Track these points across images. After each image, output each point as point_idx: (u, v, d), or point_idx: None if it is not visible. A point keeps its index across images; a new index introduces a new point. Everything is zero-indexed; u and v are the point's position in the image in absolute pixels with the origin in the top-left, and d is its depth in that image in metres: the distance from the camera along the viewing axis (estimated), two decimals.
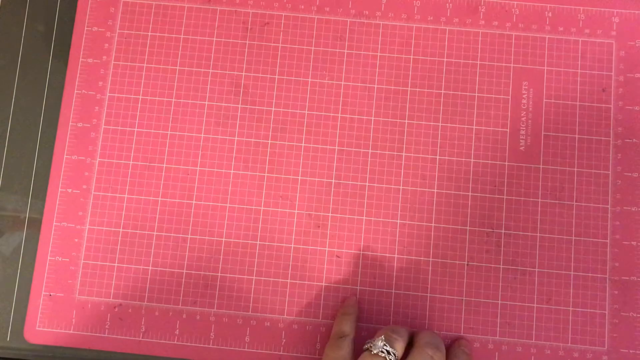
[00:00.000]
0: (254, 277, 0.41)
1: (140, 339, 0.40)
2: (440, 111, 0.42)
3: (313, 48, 0.43)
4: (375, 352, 0.35)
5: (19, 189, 0.42)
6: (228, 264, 0.41)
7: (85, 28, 0.43)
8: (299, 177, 0.42)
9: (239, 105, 0.42)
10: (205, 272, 0.41)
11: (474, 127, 0.42)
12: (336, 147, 0.42)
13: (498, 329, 0.40)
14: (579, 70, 0.42)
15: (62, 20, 0.43)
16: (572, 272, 0.40)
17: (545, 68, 0.42)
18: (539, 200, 0.41)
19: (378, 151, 0.42)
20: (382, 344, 0.35)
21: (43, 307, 0.40)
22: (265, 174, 0.42)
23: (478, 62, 0.42)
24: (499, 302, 0.40)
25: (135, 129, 0.42)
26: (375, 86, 0.42)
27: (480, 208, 0.41)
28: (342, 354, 0.36)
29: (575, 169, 0.41)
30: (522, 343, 0.40)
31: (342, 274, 0.41)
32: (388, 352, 0.35)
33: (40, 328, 0.40)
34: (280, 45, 0.43)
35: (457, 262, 0.40)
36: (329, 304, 0.40)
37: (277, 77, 0.43)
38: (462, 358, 0.38)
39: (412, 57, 0.42)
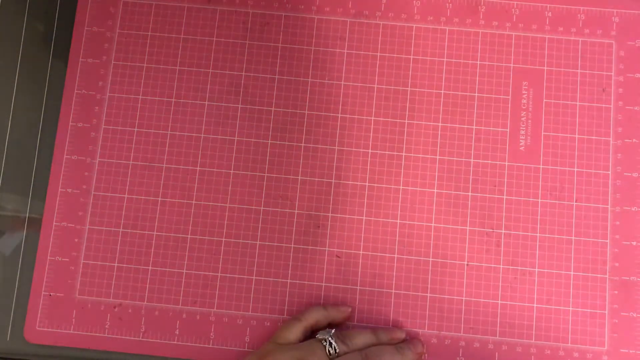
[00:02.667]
0: (254, 277, 0.41)
1: (140, 339, 0.40)
2: (440, 111, 0.42)
3: (313, 48, 0.43)
4: (320, 337, 0.36)
5: (19, 189, 0.42)
6: (228, 264, 0.41)
7: (85, 28, 0.43)
8: (299, 177, 0.41)
9: (239, 105, 0.42)
10: (205, 272, 0.41)
11: (474, 127, 0.42)
12: (336, 147, 0.42)
13: (498, 329, 0.40)
14: (579, 70, 0.42)
15: (62, 20, 0.43)
16: (572, 272, 0.40)
17: (545, 68, 0.42)
18: (539, 200, 0.41)
19: (378, 151, 0.42)
20: (329, 335, 0.36)
21: (43, 307, 0.40)
22: (265, 174, 0.42)
23: (478, 62, 0.42)
24: (499, 302, 0.40)
25: (135, 129, 0.42)
26: (375, 86, 0.42)
27: (480, 208, 0.41)
28: (289, 336, 0.37)
29: (575, 169, 0.41)
30: (522, 343, 0.40)
31: (342, 274, 0.41)
32: (330, 344, 0.36)
33: (40, 328, 0.40)
34: (280, 45, 0.43)
35: (457, 262, 0.40)
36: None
37: (277, 77, 0.42)
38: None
39: (412, 57, 0.42)
